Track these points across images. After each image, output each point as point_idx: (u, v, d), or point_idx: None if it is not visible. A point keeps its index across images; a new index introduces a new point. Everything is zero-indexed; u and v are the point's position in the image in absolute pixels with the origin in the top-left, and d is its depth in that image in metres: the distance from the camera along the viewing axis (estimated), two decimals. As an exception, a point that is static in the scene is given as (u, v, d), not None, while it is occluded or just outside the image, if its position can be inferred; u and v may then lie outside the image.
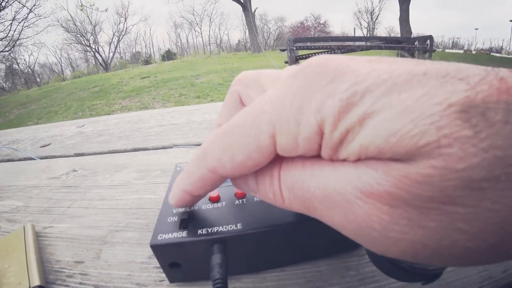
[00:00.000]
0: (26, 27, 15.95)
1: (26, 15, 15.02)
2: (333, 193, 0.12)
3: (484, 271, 0.23)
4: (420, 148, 0.09)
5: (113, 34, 21.42)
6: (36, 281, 0.24)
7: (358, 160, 0.11)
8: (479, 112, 0.09)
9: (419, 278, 0.16)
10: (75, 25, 19.22)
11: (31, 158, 0.58)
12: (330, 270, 0.24)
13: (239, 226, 0.20)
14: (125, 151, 0.56)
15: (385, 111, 0.10)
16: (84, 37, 19.72)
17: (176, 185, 0.18)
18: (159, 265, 0.22)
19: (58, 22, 18.66)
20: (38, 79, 18.72)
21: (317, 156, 0.13)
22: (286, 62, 4.53)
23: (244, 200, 0.23)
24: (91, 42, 19.92)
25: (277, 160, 0.14)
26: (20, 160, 0.59)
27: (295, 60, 4.56)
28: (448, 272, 0.23)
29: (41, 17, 16.54)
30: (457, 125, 0.09)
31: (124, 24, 22.09)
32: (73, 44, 20.28)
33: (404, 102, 0.10)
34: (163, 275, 0.23)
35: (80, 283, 0.25)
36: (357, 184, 0.11)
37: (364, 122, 0.10)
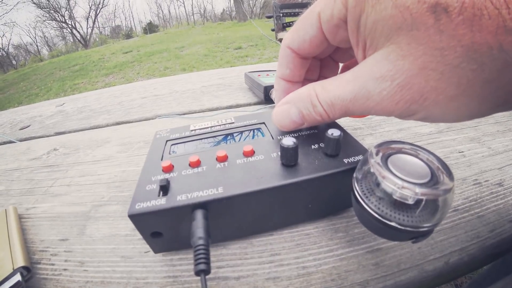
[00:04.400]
0: (-6, 6, 14.94)
1: (-8, -9, 14.00)
2: (358, 89, 0.17)
3: (472, 230, 0.23)
4: (402, 29, 0.15)
5: (90, 7, 20.15)
6: (20, 262, 0.23)
7: (368, 54, 0.17)
8: (442, 8, 0.13)
9: (409, 236, 0.16)
10: (47, 0, 18.02)
11: (10, 141, 0.55)
12: (319, 232, 0.23)
13: (220, 189, 0.19)
14: (107, 125, 0.54)
15: (389, 1, 0.15)
16: (59, 12, 18.51)
17: (275, 82, 0.26)
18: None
19: (28, -3, 17.45)
20: (14, 62, 17.79)
21: (337, 76, 0.19)
22: (272, 30, 4.39)
23: (225, 163, 0.22)
24: (66, 18, 18.74)
25: (311, 91, 0.20)
26: (-1, 144, 0.56)
27: (282, 27, 4.42)
28: (437, 232, 0.23)
29: (9, -7, 15.44)
30: (426, 15, 0.14)
31: (100, -4, 20.78)
32: (47, 21, 19.07)
33: None
34: (148, 246, 0.22)
35: (65, 260, 0.24)
36: (371, 74, 0.17)
37: (375, 6, 0.15)
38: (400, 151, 0.18)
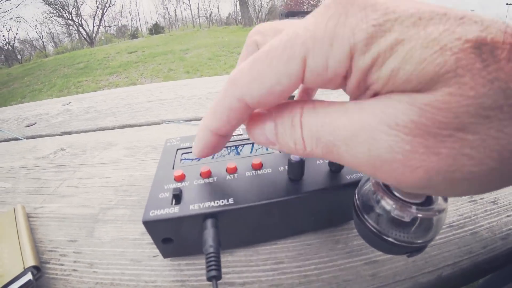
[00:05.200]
0: (3, 1, 15.04)
1: (1, -14, 14.10)
2: (359, 130, 0.12)
3: (465, 246, 0.24)
4: (440, 76, 0.11)
5: (97, 6, 20.29)
6: (31, 262, 0.24)
7: (381, 94, 0.12)
8: (488, 49, 0.10)
9: (404, 250, 0.17)
10: (55, -3, 18.15)
11: (16, 139, 0.56)
12: (320, 243, 0.24)
13: (230, 201, 0.20)
14: (113, 128, 0.55)
15: (415, 40, 0.11)
16: (66, 9, 18.63)
17: (200, 129, 0.18)
18: (152, 241, 0.22)
19: (36, -7, 17.56)
20: (19, 56, 17.87)
21: (338, 102, 0.14)
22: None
23: (235, 175, 0.23)
24: (73, 15, 18.87)
25: (297, 108, 0.15)
26: (5, 141, 0.57)
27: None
28: (431, 246, 0.24)
29: (17, -12, 15.55)
30: (472, 58, 0.10)
31: (107, -5, 20.94)
32: (54, 17, 19.19)
33: (431, 34, 0.11)
34: (157, 250, 0.23)
35: (75, 261, 0.25)
36: (383, 118, 0.12)
37: (395, 48, 0.11)
38: None
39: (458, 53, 0.10)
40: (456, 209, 0.28)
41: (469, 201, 0.28)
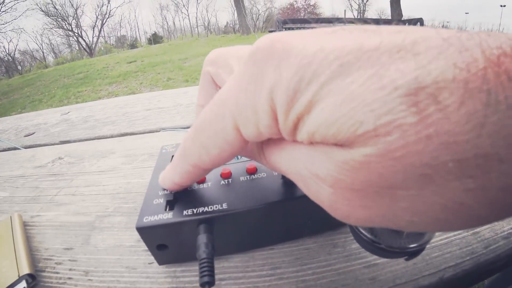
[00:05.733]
0: (3, 12, 15.22)
1: (3, -1, 14.29)
2: (293, 173, 0.13)
3: (466, 247, 0.23)
4: (357, 137, 0.09)
5: (96, 17, 20.53)
6: (26, 270, 0.24)
7: (311, 143, 0.11)
8: (428, 93, 0.08)
9: (400, 255, 0.17)
10: (55, 8, 18.30)
11: (15, 148, 0.56)
12: (317, 247, 0.24)
13: (224, 205, 0.20)
14: (111, 136, 0.55)
15: (329, 98, 0.10)
16: (66, 21, 18.85)
17: (165, 177, 0.20)
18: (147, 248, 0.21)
19: (37, 5, 17.78)
20: (19, 67, 17.98)
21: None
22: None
23: (229, 180, 0.23)
24: (73, 26, 19.08)
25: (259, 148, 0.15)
26: (4, 150, 0.57)
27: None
28: (431, 248, 0.23)
29: (19, 1, 15.74)
30: (401, 110, 0.08)
31: (107, 6, 21.17)
32: (54, 28, 19.40)
33: (348, 87, 0.09)
34: (152, 257, 0.23)
35: (70, 269, 0.25)
36: (309, 167, 0.11)
37: (311, 109, 0.10)
38: None
39: (380, 109, 0.08)
40: (455, 211, 0.27)
41: (468, 203, 0.28)
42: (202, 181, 0.23)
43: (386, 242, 0.16)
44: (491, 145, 0.07)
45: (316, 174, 0.11)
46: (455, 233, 0.25)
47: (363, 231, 0.17)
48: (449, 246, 0.24)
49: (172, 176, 0.19)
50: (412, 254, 0.17)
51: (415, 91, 0.08)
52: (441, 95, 0.08)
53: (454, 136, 0.08)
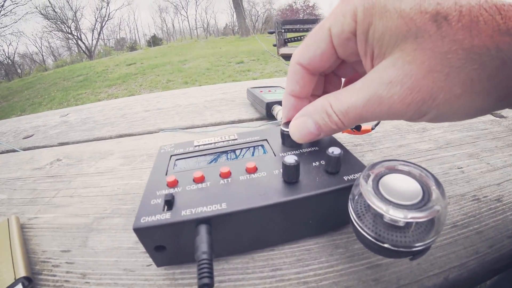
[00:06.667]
0: (3, 16, 15.25)
1: (3, 2, 14.33)
2: (373, 95, 0.18)
3: (471, 246, 0.23)
4: (407, 38, 0.16)
5: (96, 20, 20.56)
6: (22, 272, 0.23)
7: (378, 59, 0.18)
8: (443, 16, 0.15)
9: (405, 255, 0.16)
10: (55, 11, 18.34)
11: (14, 150, 0.56)
12: (319, 248, 0.24)
13: (224, 205, 0.20)
14: (110, 138, 0.55)
15: (392, 12, 0.16)
16: (65, 24, 18.88)
17: (283, 97, 0.27)
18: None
19: (37, 9, 17.82)
20: (19, 70, 18.01)
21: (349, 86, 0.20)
22: (274, 45, 4.48)
23: (229, 179, 0.23)
24: (72, 29, 19.11)
25: (325, 102, 0.21)
26: (2, 152, 0.57)
27: (284, 42, 4.50)
28: (436, 248, 0.23)
29: (18, 4, 15.77)
30: (429, 24, 0.15)
31: (106, 9, 21.21)
32: (53, 32, 19.44)
33: (405, 8, 0.16)
34: (150, 259, 0.22)
35: (67, 272, 0.24)
36: (382, 79, 0.18)
37: (383, 16, 0.17)
38: (392, 171, 0.18)
39: (419, 22, 0.15)
40: (459, 208, 0.27)
41: (473, 200, 0.28)
42: (201, 180, 0.23)
43: (390, 241, 0.16)
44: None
45: (389, 80, 0.17)
46: (459, 232, 0.24)
47: (366, 229, 0.17)
48: (454, 246, 0.23)
49: (286, 87, 0.25)
50: (417, 253, 0.16)
51: (436, 14, 0.15)
52: (449, 16, 0.15)
53: (454, 36, 0.15)
